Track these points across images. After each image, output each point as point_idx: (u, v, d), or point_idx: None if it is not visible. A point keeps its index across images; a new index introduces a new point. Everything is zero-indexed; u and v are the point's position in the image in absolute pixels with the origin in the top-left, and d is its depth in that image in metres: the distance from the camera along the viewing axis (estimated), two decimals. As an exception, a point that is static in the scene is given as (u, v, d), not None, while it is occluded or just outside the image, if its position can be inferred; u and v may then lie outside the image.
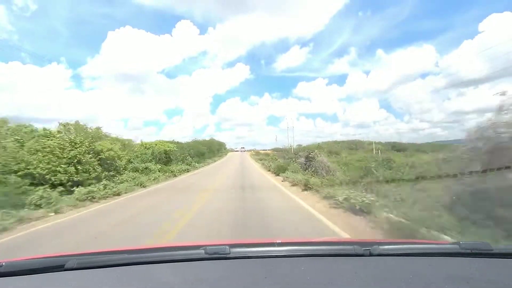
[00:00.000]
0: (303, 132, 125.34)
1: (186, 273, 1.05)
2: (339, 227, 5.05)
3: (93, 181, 10.07)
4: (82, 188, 8.90)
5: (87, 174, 10.18)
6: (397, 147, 46.95)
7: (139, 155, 17.72)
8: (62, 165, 9.51)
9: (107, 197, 9.27)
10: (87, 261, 1.12)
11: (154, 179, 14.28)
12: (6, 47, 49.43)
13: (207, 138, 53.59)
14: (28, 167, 8.76)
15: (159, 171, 16.33)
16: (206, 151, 36.36)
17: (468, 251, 1.15)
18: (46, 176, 9.02)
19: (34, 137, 10.46)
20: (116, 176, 11.90)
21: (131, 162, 15.94)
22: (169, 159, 20.67)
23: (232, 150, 73.87)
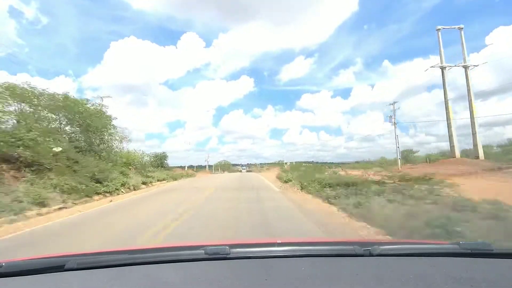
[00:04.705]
0: (306, 146, 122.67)
1: (186, 273, 1.05)
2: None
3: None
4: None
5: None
6: None
7: None
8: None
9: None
10: (87, 261, 1.12)
11: None
12: (15, 60, 49.53)
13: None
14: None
15: None
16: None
17: (468, 251, 1.15)
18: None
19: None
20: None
21: None
22: None
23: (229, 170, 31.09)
